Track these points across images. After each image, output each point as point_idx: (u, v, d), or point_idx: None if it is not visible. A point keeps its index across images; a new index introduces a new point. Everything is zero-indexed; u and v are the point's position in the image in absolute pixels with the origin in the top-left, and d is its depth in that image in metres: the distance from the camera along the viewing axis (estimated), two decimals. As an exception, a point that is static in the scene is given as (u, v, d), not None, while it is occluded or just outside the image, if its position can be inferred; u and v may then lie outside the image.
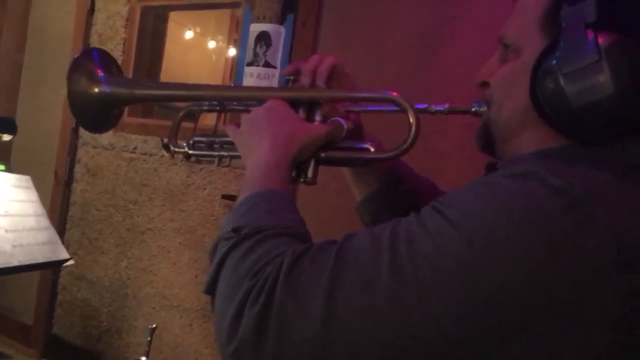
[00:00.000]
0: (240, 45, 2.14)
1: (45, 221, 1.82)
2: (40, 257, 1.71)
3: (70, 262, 1.83)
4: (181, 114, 1.07)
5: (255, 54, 2.05)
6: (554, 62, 0.64)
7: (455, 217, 0.57)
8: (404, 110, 0.82)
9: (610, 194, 0.57)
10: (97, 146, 2.51)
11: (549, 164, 0.61)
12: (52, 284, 2.60)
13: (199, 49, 4.74)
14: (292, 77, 0.93)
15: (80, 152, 2.57)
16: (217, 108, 1.03)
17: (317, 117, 0.86)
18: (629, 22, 0.63)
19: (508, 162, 0.71)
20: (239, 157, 0.91)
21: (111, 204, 2.44)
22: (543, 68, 0.66)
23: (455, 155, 1.64)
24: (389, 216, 0.67)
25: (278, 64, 2.03)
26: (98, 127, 1.10)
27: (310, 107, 0.87)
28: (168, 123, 2.34)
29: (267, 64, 2.03)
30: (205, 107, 1.04)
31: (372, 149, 0.86)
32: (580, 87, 0.62)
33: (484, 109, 0.79)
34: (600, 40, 0.61)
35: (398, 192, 0.99)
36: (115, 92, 1.02)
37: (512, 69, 0.73)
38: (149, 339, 1.74)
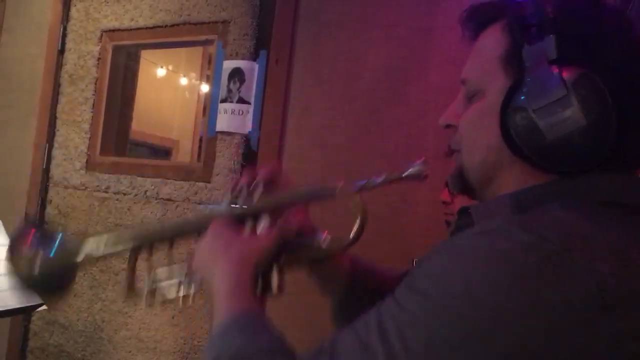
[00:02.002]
0: (214, 81, 2.15)
1: (16, 266, 1.76)
2: (12, 302, 1.66)
3: (43, 307, 1.78)
4: (132, 259, 1.03)
5: (229, 90, 2.06)
6: (523, 99, 0.65)
7: (438, 294, 0.57)
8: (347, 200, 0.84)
9: (585, 239, 0.58)
10: (69, 186, 2.47)
11: (518, 217, 0.61)
12: (24, 330, 2.52)
13: (172, 86, 4.74)
14: (234, 193, 0.92)
15: (52, 193, 2.52)
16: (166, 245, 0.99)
17: (264, 225, 0.86)
18: (590, 56, 0.64)
19: (483, 209, 0.72)
20: (201, 290, 0.91)
21: (84, 245, 2.39)
22: (512, 106, 0.66)
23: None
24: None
25: (252, 100, 2.03)
26: (64, 292, 1.06)
27: (254, 217, 0.87)
28: (141, 161, 2.32)
29: (241, 100, 2.04)
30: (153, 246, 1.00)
31: (329, 236, 0.89)
32: (553, 121, 0.63)
33: (417, 169, 0.80)
34: (565, 75, 0.63)
35: (367, 288, 0.98)
36: (55, 265, 1.00)
37: (479, 110, 0.73)
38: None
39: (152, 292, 1.01)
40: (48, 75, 2.57)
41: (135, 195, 2.26)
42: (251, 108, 2.04)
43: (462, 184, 0.77)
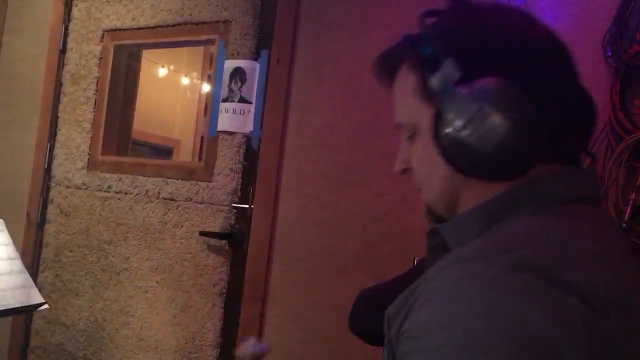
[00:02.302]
0: (215, 81, 2.15)
1: (19, 265, 1.77)
2: (14, 302, 1.66)
3: (45, 306, 1.78)
4: None
5: (231, 90, 2.06)
6: (446, 124, 0.67)
7: (447, 350, 0.56)
8: None
9: (561, 251, 0.58)
10: (70, 186, 2.47)
11: (492, 241, 0.62)
12: (25, 329, 2.53)
13: (173, 85, 4.75)
14: None
15: (53, 193, 2.53)
16: None
17: None
18: (491, 63, 0.67)
19: (452, 227, 0.74)
20: None
21: (85, 244, 2.39)
22: (441, 134, 0.68)
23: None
24: None
25: (253, 100, 2.04)
26: None
27: None
28: (142, 161, 2.33)
29: (242, 100, 2.04)
30: None
31: None
32: (479, 135, 0.65)
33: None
34: (472, 89, 0.65)
35: None
36: None
37: (420, 147, 0.76)
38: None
39: None
40: (50, 75, 2.58)
41: (137, 194, 2.27)
42: (252, 108, 2.04)
43: (434, 217, 0.80)
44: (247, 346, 1.10)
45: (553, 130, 0.66)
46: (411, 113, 0.75)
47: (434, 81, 0.68)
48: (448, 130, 0.67)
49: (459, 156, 0.68)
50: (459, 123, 0.66)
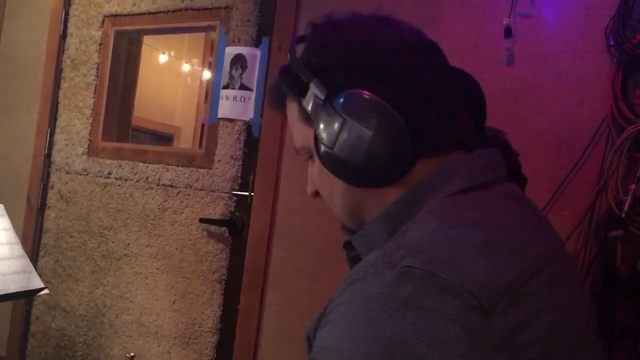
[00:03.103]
0: (216, 68, 2.14)
1: (19, 249, 1.78)
2: (14, 286, 1.67)
3: (45, 291, 1.79)
4: None
5: (231, 77, 2.06)
6: (322, 142, 0.70)
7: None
8: None
9: (448, 252, 0.59)
10: (71, 172, 2.47)
11: (380, 255, 0.62)
12: (25, 314, 2.54)
13: (174, 72, 4.73)
14: None
15: (53, 178, 2.53)
16: None
17: None
18: (349, 77, 0.70)
19: (362, 237, 0.75)
20: None
21: (85, 230, 2.40)
22: (321, 153, 0.72)
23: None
24: None
25: (254, 87, 2.03)
26: None
27: None
28: (143, 147, 2.34)
29: (243, 87, 2.04)
30: None
31: None
32: (349, 148, 0.68)
33: None
34: (333, 104, 0.69)
35: None
36: None
37: (317, 169, 0.79)
38: (126, 368, 1.70)
39: None
40: (50, 60, 2.57)
41: (137, 181, 2.27)
42: (253, 95, 2.03)
43: (350, 231, 0.82)
44: None
45: (424, 125, 0.69)
46: (301, 137, 0.79)
47: (307, 104, 0.72)
48: (324, 148, 0.70)
49: (341, 170, 0.71)
50: (330, 139, 0.69)
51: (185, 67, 4.82)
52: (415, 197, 0.69)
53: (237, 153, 2.05)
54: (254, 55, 2.04)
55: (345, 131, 0.68)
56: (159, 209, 2.20)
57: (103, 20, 2.45)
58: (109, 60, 2.45)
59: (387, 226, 0.70)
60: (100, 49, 2.45)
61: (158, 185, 2.21)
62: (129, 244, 2.27)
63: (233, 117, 2.05)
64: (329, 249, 1.84)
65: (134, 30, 2.46)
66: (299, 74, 0.72)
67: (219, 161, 2.08)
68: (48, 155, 2.55)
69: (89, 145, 2.44)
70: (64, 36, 2.55)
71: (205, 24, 2.24)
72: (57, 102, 2.54)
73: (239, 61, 2.05)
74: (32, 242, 2.53)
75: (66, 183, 2.48)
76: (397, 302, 0.55)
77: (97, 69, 2.45)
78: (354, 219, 0.78)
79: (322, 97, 0.70)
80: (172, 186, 2.18)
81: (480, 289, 0.56)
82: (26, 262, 1.77)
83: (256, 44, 2.04)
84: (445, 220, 0.64)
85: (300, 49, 0.78)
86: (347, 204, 0.77)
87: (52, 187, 2.53)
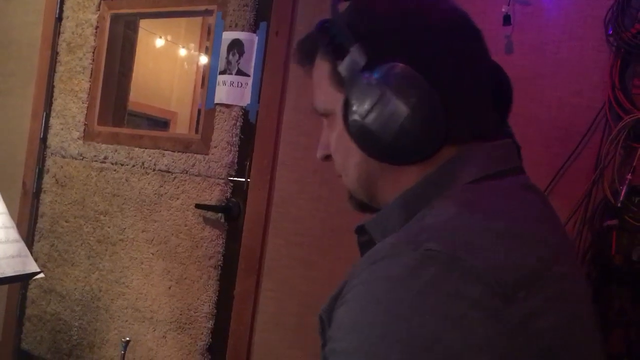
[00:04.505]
0: (213, 53, 2.13)
1: (14, 234, 1.77)
2: (9, 270, 1.66)
3: (41, 275, 1.79)
4: None
5: (228, 62, 2.04)
6: (353, 110, 0.69)
7: (356, 352, 0.57)
8: None
9: (470, 237, 0.59)
10: (66, 156, 2.46)
11: (402, 237, 0.62)
12: (21, 298, 2.54)
13: (170, 56, 4.70)
14: None
15: (49, 162, 2.52)
16: None
17: None
18: (395, 48, 0.68)
19: (376, 222, 0.75)
20: None
21: (81, 215, 2.40)
22: (349, 120, 0.70)
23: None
24: None
25: (251, 72, 2.02)
26: None
27: None
28: (139, 132, 2.32)
29: (240, 72, 2.02)
30: None
31: None
32: (382, 121, 0.67)
33: None
34: (375, 75, 0.67)
35: None
36: None
37: (336, 133, 0.77)
38: (122, 352, 1.71)
39: None
40: (45, 44, 2.55)
41: (133, 166, 2.26)
42: (250, 80, 2.02)
43: (357, 204, 0.83)
44: None
45: (457, 113, 0.68)
46: (326, 100, 0.77)
47: (342, 68, 0.70)
48: (355, 116, 0.69)
49: (367, 142, 0.69)
50: (363, 109, 0.67)
51: (182, 52, 4.79)
52: (433, 183, 0.69)
53: (234, 139, 2.04)
54: (251, 40, 2.02)
55: (382, 104, 0.66)
56: (155, 194, 2.20)
57: (99, 4, 2.43)
58: (105, 44, 2.43)
59: (403, 213, 0.70)
60: (96, 32, 2.43)
61: (154, 170, 2.21)
62: (124, 229, 2.27)
63: (230, 102, 2.04)
64: (324, 236, 1.84)
65: (131, 13, 2.45)
66: (341, 35, 0.70)
67: (215, 147, 2.07)
68: (43, 140, 2.54)
69: (84, 130, 2.43)
70: (59, 19, 2.53)
71: (202, 8, 2.22)
72: (53, 86, 2.53)
73: (236, 46, 2.04)
74: (28, 226, 2.53)
75: (62, 167, 2.47)
76: (420, 284, 0.55)
77: (93, 53, 2.43)
78: (364, 190, 0.78)
79: (362, 64, 0.68)
80: (168, 171, 2.17)
81: (503, 275, 0.56)
82: (21, 246, 1.77)
83: (254, 29, 2.03)
84: (465, 206, 0.64)
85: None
86: (361, 175, 0.76)
87: (48, 172, 2.52)
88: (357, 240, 0.81)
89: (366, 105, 0.67)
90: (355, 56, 0.68)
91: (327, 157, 0.84)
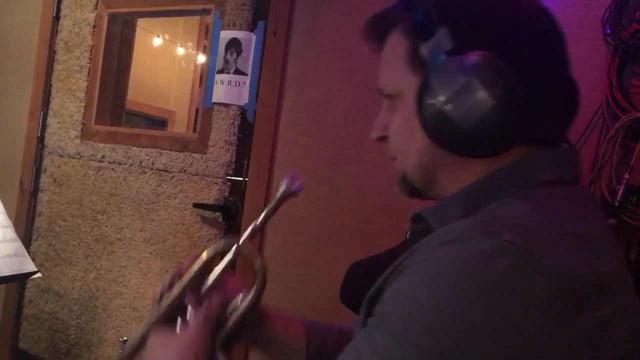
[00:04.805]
0: (210, 52, 2.12)
1: (11, 233, 1.77)
2: (6, 270, 1.66)
3: (38, 274, 1.78)
4: None
5: (226, 61, 2.04)
6: (432, 94, 0.66)
7: (414, 333, 0.56)
8: (243, 255, 0.87)
9: (546, 235, 0.58)
10: (64, 155, 2.46)
11: (477, 223, 0.61)
12: (18, 297, 2.54)
13: (168, 55, 4.70)
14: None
15: (46, 162, 2.52)
16: None
17: (190, 313, 0.86)
18: (485, 38, 0.66)
19: (435, 211, 0.72)
20: None
21: (79, 214, 2.39)
22: (425, 104, 0.67)
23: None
24: None
25: (249, 71, 2.02)
26: None
27: (180, 311, 0.88)
28: (136, 131, 2.32)
29: (238, 71, 2.02)
30: None
31: (246, 296, 0.89)
32: (463, 109, 0.64)
33: (288, 189, 0.84)
34: (463, 61, 0.64)
35: (326, 350, 0.98)
36: None
37: (402, 115, 0.74)
38: (119, 351, 1.71)
39: None
40: (43, 43, 2.54)
41: (131, 165, 2.26)
42: (248, 79, 2.02)
43: (408, 188, 0.79)
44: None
45: (536, 113, 0.66)
46: (397, 80, 0.74)
47: (425, 49, 0.67)
48: (432, 101, 0.66)
49: (440, 128, 0.67)
50: (444, 95, 0.65)
51: (180, 51, 4.79)
52: (502, 180, 0.67)
53: (232, 138, 2.04)
54: (249, 39, 2.02)
55: (466, 92, 0.63)
56: (153, 193, 2.19)
57: (97, 2, 2.42)
58: (102, 43, 2.42)
59: (465, 205, 0.68)
60: (93, 31, 2.43)
61: (152, 169, 2.20)
62: (122, 228, 2.27)
63: (228, 101, 2.04)
64: (322, 235, 1.84)
65: (128, 12, 2.44)
66: (428, 15, 0.67)
67: (213, 146, 2.07)
68: (41, 139, 2.53)
69: (82, 129, 2.42)
70: (57, 18, 2.53)
71: (200, 7, 2.22)
72: (50, 85, 2.52)
73: (234, 45, 2.04)
74: (25, 226, 2.52)
75: (59, 166, 2.47)
76: (491, 274, 0.54)
77: (91, 52, 2.43)
78: (422, 177, 0.75)
79: (448, 48, 0.65)
80: (166, 171, 2.17)
81: (576, 281, 0.54)
82: (19, 245, 1.77)
83: (251, 28, 2.03)
84: (540, 206, 0.62)
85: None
86: (422, 160, 0.73)
87: (45, 171, 2.51)
88: (411, 228, 0.78)
89: (448, 91, 0.64)
90: (441, 39, 0.65)
91: (382, 139, 0.81)
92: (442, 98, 0.65)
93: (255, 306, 0.89)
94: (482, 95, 0.63)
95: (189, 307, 0.87)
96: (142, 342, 0.89)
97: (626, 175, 1.37)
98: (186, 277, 0.89)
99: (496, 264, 0.54)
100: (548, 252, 0.55)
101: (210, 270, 0.91)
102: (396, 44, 0.74)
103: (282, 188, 0.85)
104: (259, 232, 0.90)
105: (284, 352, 0.99)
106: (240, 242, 0.87)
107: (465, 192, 0.69)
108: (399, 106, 0.75)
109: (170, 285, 0.90)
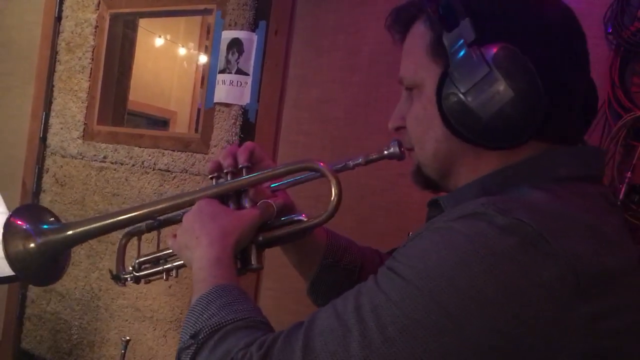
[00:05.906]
0: (212, 52, 2.13)
1: (13, 233, 1.77)
2: (8, 270, 1.66)
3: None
4: (123, 242, 1.10)
5: (228, 61, 2.04)
6: (452, 84, 0.67)
7: (414, 277, 0.58)
8: (323, 175, 0.86)
9: (560, 221, 0.59)
10: (66, 155, 2.46)
11: (494, 200, 0.62)
12: (21, 297, 2.54)
13: (170, 56, 4.70)
14: (215, 174, 0.93)
15: (49, 162, 2.52)
16: (155, 224, 1.02)
17: (247, 204, 0.88)
18: (507, 30, 0.67)
19: (451, 198, 0.73)
20: (184, 266, 0.94)
21: (81, 214, 2.39)
22: (445, 94, 0.68)
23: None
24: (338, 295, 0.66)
25: (250, 71, 2.02)
26: (47, 280, 1.09)
27: (237, 196, 0.89)
28: (138, 131, 2.31)
29: (239, 71, 2.02)
30: (143, 228, 1.04)
31: (305, 219, 0.90)
32: (483, 100, 0.65)
33: (394, 150, 0.83)
34: (485, 53, 0.65)
35: (342, 264, 1.00)
36: (49, 241, 1.03)
37: (420, 105, 0.75)
38: (122, 351, 1.71)
39: (139, 269, 1.09)
40: (45, 43, 2.55)
41: (133, 165, 2.26)
42: (249, 79, 2.02)
43: (423, 179, 0.80)
44: None
45: (555, 109, 0.66)
46: (418, 69, 0.75)
47: (448, 40, 0.68)
48: (453, 90, 0.67)
49: (459, 119, 0.68)
50: (465, 85, 0.66)
51: (182, 51, 4.79)
52: (518, 174, 0.68)
53: (233, 138, 2.04)
54: (250, 39, 2.02)
55: (487, 83, 0.64)
56: (155, 193, 2.20)
57: (99, 3, 2.42)
58: (104, 44, 2.43)
59: (481, 194, 0.68)
60: (95, 31, 2.43)
61: (154, 169, 2.21)
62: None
63: (229, 101, 2.04)
64: (324, 235, 1.83)
65: (130, 13, 2.44)
66: (452, 6, 0.67)
67: (215, 146, 2.07)
68: (43, 139, 2.53)
69: (84, 129, 2.43)
70: (59, 19, 2.53)
71: (201, 7, 2.22)
72: (52, 86, 2.52)
73: (235, 45, 2.04)
74: (28, 226, 2.52)
75: (61, 167, 2.47)
76: (499, 248, 0.56)
77: (93, 52, 2.43)
78: (438, 168, 0.76)
79: (471, 39, 0.66)
80: (168, 171, 2.17)
81: (582, 267, 0.56)
82: (21, 245, 1.77)
83: (253, 28, 2.03)
84: (556, 197, 0.63)
85: None
86: (439, 150, 0.74)
87: (48, 171, 2.52)
88: (427, 215, 0.79)
89: (469, 82, 0.65)
90: (464, 30, 0.66)
91: (398, 129, 0.82)
92: (462, 88, 0.66)
93: (316, 227, 0.91)
94: (502, 87, 0.64)
95: (248, 194, 0.88)
96: (190, 204, 0.90)
97: (628, 174, 1.37)
98: (262, 174, 0.90)
99: (507, 238, 0.56)
100: (558, 236, 0.56)
101: (281, 176, 0.92)
102: (419, 34, 0.75)
103: (389, 149, 0.85)
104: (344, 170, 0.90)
105: (307, 252, 1.03)
106: (332, 167, 0.87)
107: (481, 183, 0.70)
108: (418, 96, 0.75)
109: (236, 171, 0.90)
